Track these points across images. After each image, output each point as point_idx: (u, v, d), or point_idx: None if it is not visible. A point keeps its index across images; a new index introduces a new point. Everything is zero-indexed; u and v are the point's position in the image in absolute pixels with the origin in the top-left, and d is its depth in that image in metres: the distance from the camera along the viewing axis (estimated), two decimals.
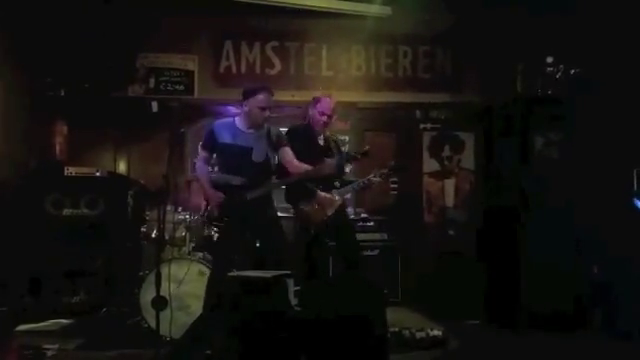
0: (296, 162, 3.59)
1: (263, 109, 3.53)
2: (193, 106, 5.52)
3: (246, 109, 3.57)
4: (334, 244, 4.12)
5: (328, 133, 4.13)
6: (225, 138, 3.58)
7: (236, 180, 3.54)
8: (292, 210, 4.03)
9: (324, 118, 3.96)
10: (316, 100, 4.00)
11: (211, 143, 3.62)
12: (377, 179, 3.96)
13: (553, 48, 4.95)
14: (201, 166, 3.70)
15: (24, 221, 4.40)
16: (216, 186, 3.61)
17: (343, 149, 4.19)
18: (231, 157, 3.58)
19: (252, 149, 3.55)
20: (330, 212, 3.87)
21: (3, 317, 3.50)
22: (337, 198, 3.92)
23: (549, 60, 4.85)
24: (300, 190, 3.85)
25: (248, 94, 3.56)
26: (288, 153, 3.62)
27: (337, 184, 3.97)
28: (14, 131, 4.73)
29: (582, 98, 4.55)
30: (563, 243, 4.40)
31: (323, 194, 3.87)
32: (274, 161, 3.64)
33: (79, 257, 4.41)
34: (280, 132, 3.70)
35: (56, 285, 4.31)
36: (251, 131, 3.60)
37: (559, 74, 4.81)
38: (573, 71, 4.78)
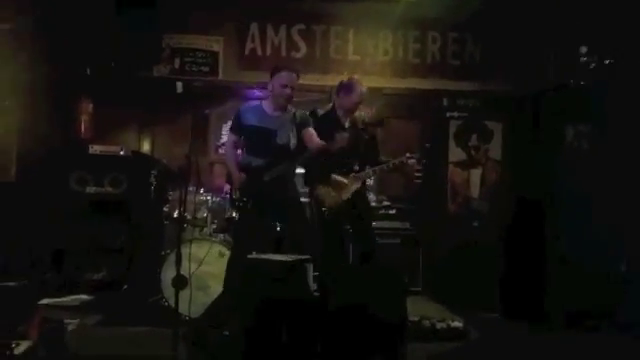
0: (317, 140, 3.52)
1: (285, 86, 3.49)
2: (217, 88, 5.51)
3: (270, 88, 3.58)
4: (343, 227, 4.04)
5: (356, 114, 4.01)
6: (250, 120, 3.57)
7: (257, 161, 3.54)
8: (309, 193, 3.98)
9: (356, 106, 3.90)
10: (347, 88, 3.89)
11: (238, 126, 3.63)
12: (396, 162, 3.83)
13: (587, 37, 4.80)
14: (229, 149, 3.72)
15: (48, 197, 4.46)
16: (241, 169, 3.61)
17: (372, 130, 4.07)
18: (255, 139, 3.57)
19: (276, 131, 3.52)
20: (345, 196, 3.80)
21: (26, 291, 3.55)
22: (354, 182, 3.83)
23: (583, 50, 4.70)
24: (315, 173, 3.82)
25: (272, 74, 3.57)
26: (310, 133, 3.57)
27: (356, 167, 3.88)
28: (39, 106, 4.77)
29: (615, 89, 4.40)
30: (591, 239, 4.29)
31: (337, 177, 3.80)
32: (296, 145, 3.59)
33: (102, 234, 4.47)
34: (305, 114, 3.66)
35: (78, 261, 4.38)
36: (277, 114, 3.58)
37: (593, 64, 4.66)
38: (608, 61, 4.62)
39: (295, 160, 3.59)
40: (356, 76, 4.01)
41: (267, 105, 3.62)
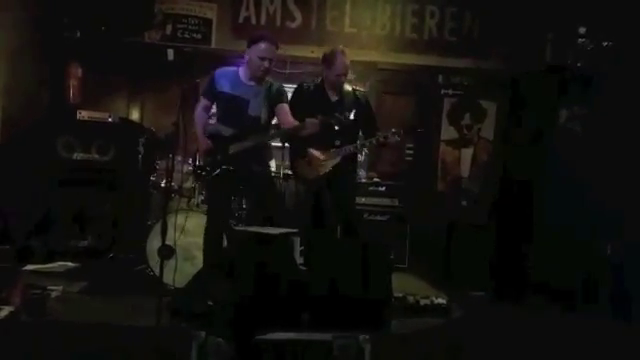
0: (290, 119, 3.44)
1: (262, 59, 3.33)
2: (210, 56, 5.40)
3: (247, 58, 3.40)
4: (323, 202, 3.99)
5: (349, 88, 3.88)
6: (224, 87, 3.43)
7: (227, 131, 3.43)
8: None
9: (339, 79, 3.76)
10: (329, 60, 3.74)
11: (211, 91, 3.48)
12: (382, 140, 3.72)
13: (587, 18, 4.73)
14: (199, 113, 3.56)
15: (34, 162, 4.40)
16: (209, 136, 3.50)
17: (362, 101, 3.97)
18: (227, 107, 3.45)
19: (249, 102, 3.41)
20: (323, 171, 3.72)
21: (8, 256, 3.54)
22: (333, 157, 3.73)
23: (581, 31, 4.64)
24: (294, 147, 3.76)
25: (250, 42, 3.38)
26: (284, 110, 3.47)
27: (337, 142, 3.77)
28: (27, 69, 4.67)
29: (612, 72, 4.36)
30: (578, 221, 4.31)
31: (313, 152, 3.72)
32: (268, 118, 3.50)
33: (88, 202, 4.42)
34: (281, 88, 3.52)
35: (64, 228, 4.34)
36: (252, 83, 3.43)
37: (591, 46, 4.61)
38: (606, 44, 4.57)
39: (265, 135, 3.49)
40: (341, 47, 3.82)
41: (243, 73, 3.45)
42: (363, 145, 3.83)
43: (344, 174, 3.83)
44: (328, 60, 3.76)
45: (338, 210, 3.86)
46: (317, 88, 3.84)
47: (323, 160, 3.73)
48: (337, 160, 3.75)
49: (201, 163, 3.59)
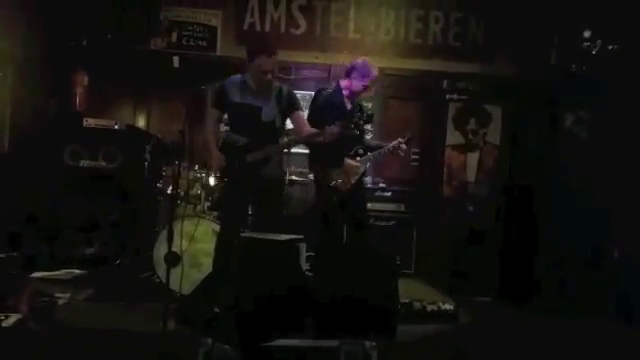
0: (307, 128, 3.44)
1: (265, 72, 3.32)
2: (215, 63, 5.43)
3: (250, 69, 3.39)
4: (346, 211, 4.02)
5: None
6: (234, 97, 3.42)
7: (241, 141, 3.43)
8: (314, 176, 3.92)
9: (366, 87, 3.82)
10: (361, 69, 3.78)
11: (221, 101, 3.47)
12: (395, 145, 3.81)
13: (592, 22, 4.72)
14: (211, 126, 3.55)
15: (41, 170, 4.43)
16: (223, 146, 3.50)
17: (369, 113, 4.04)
18: (240, 116, 3.44)
19: (261, 108, 3.40)
20: (354, 180, 3.77)
21: (15, 263, 3.56)
22: (361, 166, 3.82)
23: (586, 35, 4.63)
24: (327, 157, 3.72)
25: (249, 57, 3.35)
26: (301, 117, 3.48)
27: (360, 151, 3.85)
28: (34, 77, 4.70)
29: (618, 77, 4.35)
30: (584, 225, 4.29)
31: (351, 162, 3.77)
32: (281, 123, 3.51)
33: (95, 209, 4.45)
34: (292, 92, 3.51)
35: (71, 235, 4.37)
36: (259, 90, 3.43)
37: (596, 50, 4.59)
38: (611, 47, 4.56)
39: (283, 144, 3.50)
40: (367, 58, 3.90)
41: (250, 80, 3.44)
42: (384, 152, 3.87)
43: (361, 182, 3.92)
44: (359, 69, 3.80)
45: (356, 215, 3.89)
46: (335, 95, 3.86)
47: (358, 169, 3.79)
48: (365, 168, 3.85)
49: (218, 174, 3.67)
